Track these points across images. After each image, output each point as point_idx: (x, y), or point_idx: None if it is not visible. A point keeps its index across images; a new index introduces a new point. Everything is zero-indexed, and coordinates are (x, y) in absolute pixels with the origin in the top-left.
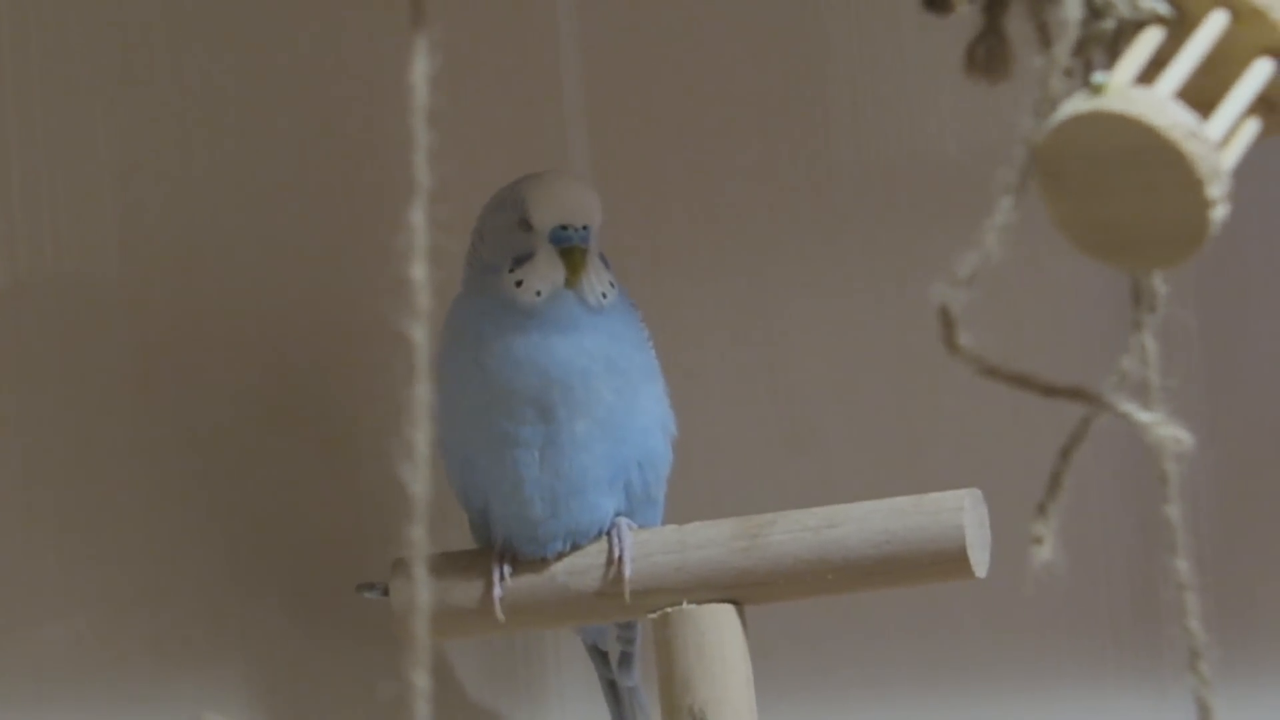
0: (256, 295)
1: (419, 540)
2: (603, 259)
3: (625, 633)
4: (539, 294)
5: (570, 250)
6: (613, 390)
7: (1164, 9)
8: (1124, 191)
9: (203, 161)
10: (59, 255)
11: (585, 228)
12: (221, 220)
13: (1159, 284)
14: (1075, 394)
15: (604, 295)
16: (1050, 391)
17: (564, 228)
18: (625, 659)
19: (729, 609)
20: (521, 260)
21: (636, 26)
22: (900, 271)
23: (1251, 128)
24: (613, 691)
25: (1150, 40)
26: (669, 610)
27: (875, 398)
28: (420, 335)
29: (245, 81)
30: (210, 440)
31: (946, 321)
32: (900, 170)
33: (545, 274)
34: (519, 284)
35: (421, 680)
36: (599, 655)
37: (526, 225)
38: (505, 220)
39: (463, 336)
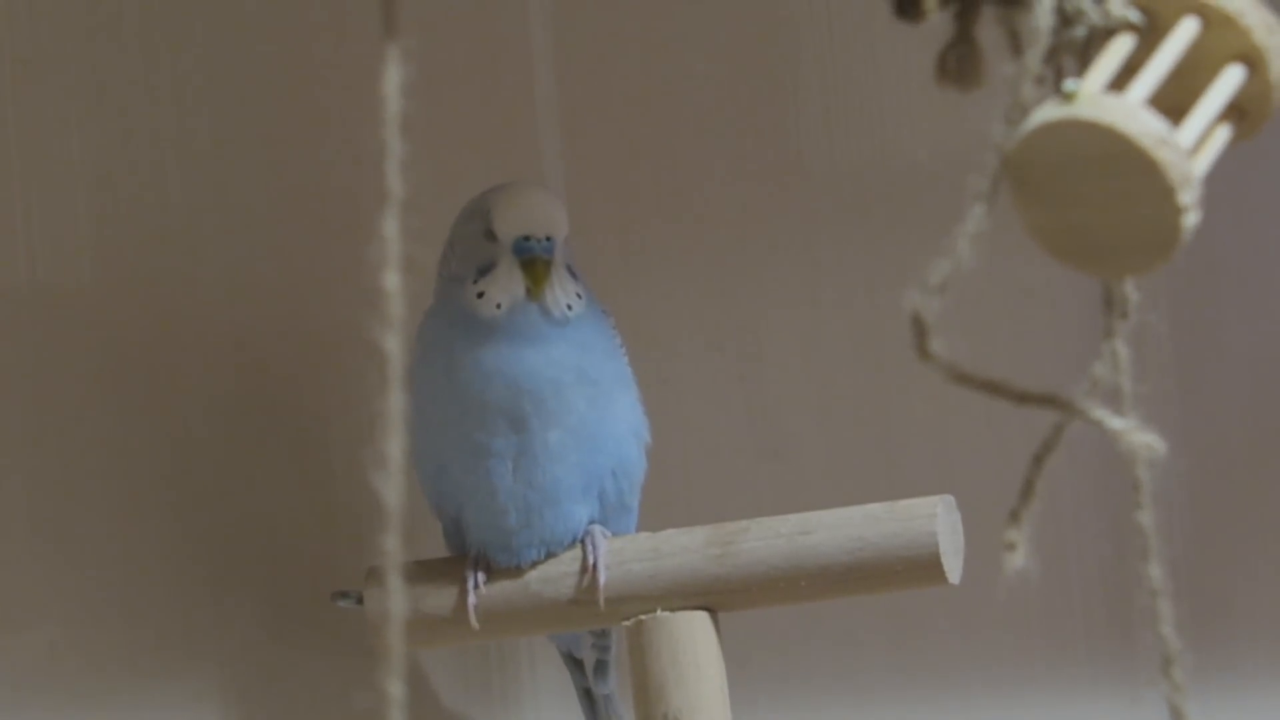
0: (231, 305)
1: (393, 549)
2: (570, 270)
3: (600, 640)
4: (499, 306)
5: (532, 261)
6: (585, 399)
7: (1135, 16)
8: (1096, 198)
9: (177, 171)
10: (33, 263)
11: (549, 239)
12: (195, 229)
13: (1131, 290)
14: (1047, 400)
15: (569, 307)
16: (1022, 398)
17: (526, 239)
18: (601, 667)
19: (703, 616)
20: (485, 271)
21: (609, 34)
22: (873, 279)
23: (1223, 134)
24: (588, 700)
25: (1121, 47)
26: (643, 618)
27: (848, 405)
28: (393, 345)
29: (219, 91)
30: (185, 449)
31: (919, 328)
32: (872, 178)
33: (506, 286)
34: (480, 295)
35: (396, 689)
36: (574, 663)
37: (491, 235)
38: (472, 230)
39: (434, 347)
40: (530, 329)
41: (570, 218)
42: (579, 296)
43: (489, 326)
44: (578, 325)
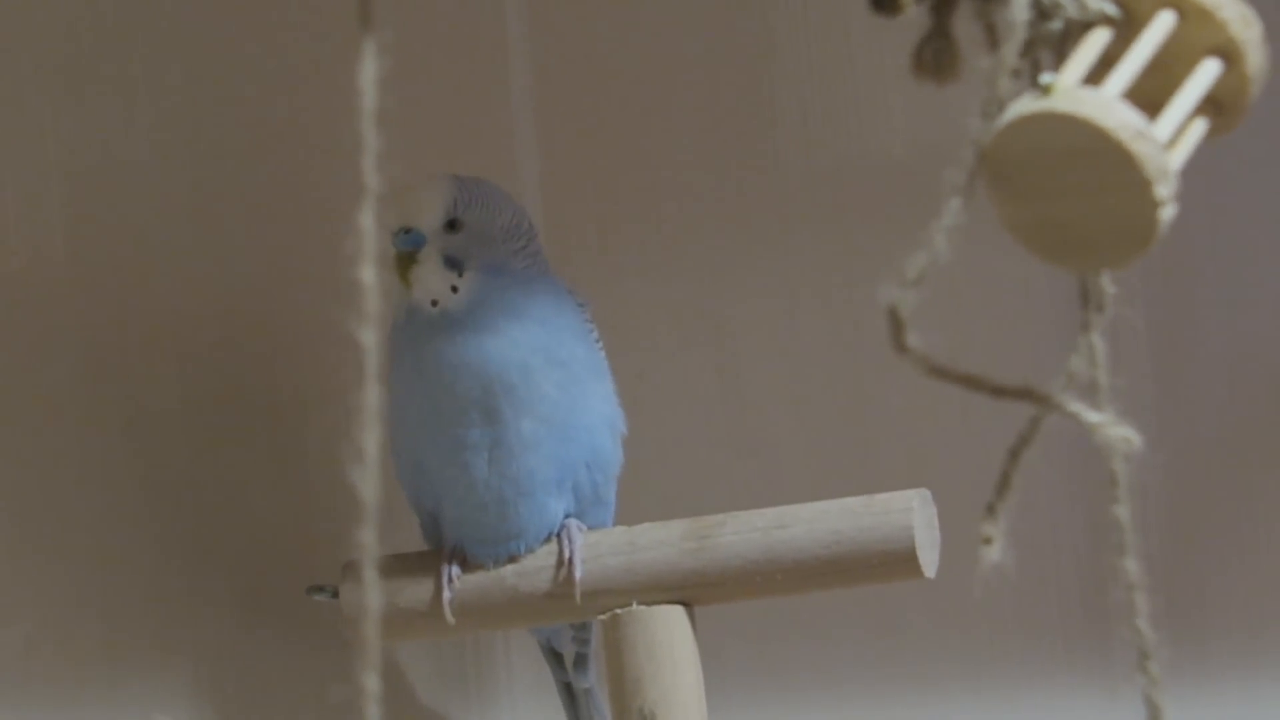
0: (206, 299)
1: (369, 543)
2: (451, 259)
3: (580, 634)
4: (435, 303)
5: (397, 255)
6: (555, 385)
7: (1111, 9)
8: (1072, 192)
9: (151, 164)
10: (5, 257)
11: (406, 231)
12: (170, 222)
13: (1107, 284)
14: (1024, 394)
15: (434, 303)
16: (999, 392)
17: (395, 232)
18: (580, 660)
19: (679, 610)
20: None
21: (585, 28)
22: (849, 273)
23: (1199, 128)
24: (569, 694)
25: (1098, 41)
26: (619, 611)
27: (824, 399)
28: (369, 338)
29: (194, 84)
30: (160, 443)
31: (895, 322)
32: (849, 171)
33: (428, 283)
34: (414, 293)
35: (372, 683)
36: (554, 657)
37: None
38: None
39: (403, 344)
40: (483, 317)
41: (546, 212)
42: (453, 290)
43: (433, 321)
44: (541, 307)
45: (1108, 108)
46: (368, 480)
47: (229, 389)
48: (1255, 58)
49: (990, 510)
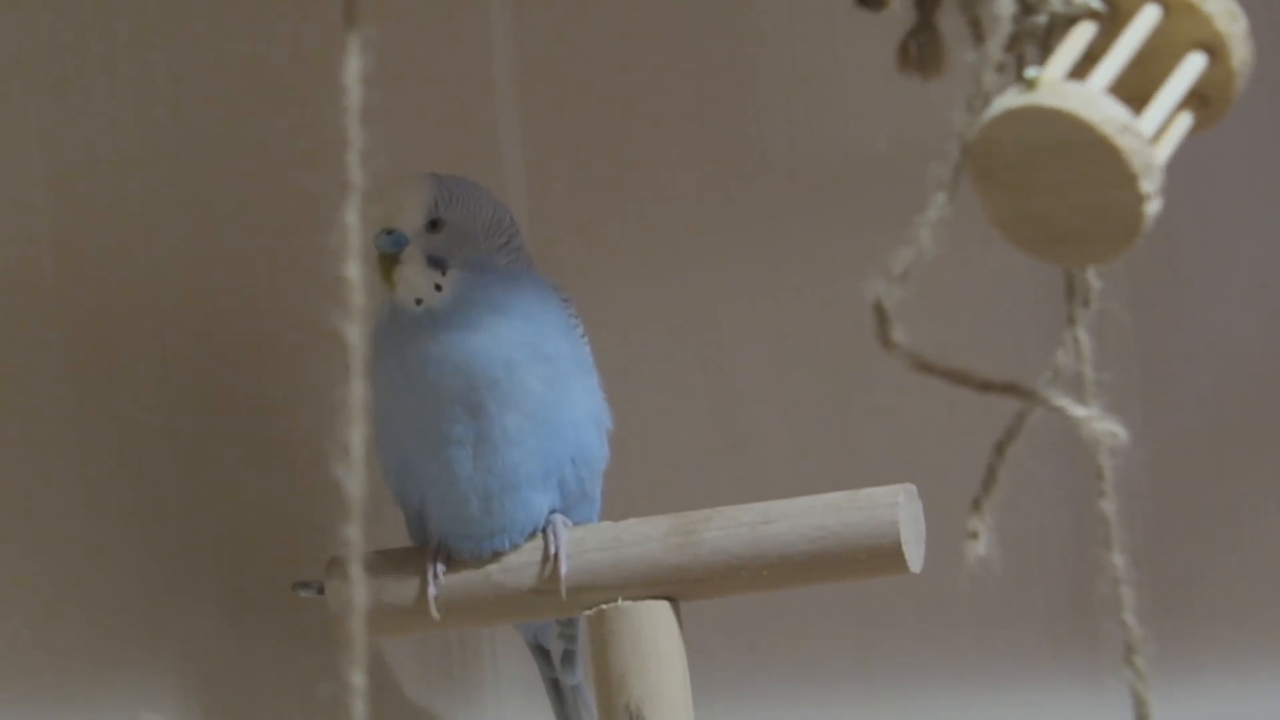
0: (191, 296)
1: (355, 539)
2: (434, 258)
3: (567, 630)
4: (419, 302)
5: (380, 257)
6: (540, 380)
7: (1096, 3)
8: (1058, 186)
9: (135, 162)
10: None
11: (389, 233)
12: (155, 220)
13: (1093, 278)
14: (1010, 389)
15: (418, 302)
16: (985, 387)
17: (377, 234)
18: (568, 657)
19: (665, 605)
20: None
21: (569, 23)
22: (835, 267)
23: (1184, 122)
24: (556, 690)
25: (1083, 35)
26: (604, 607)
27: (810, 394)
28: (354, 334)
29: (178, 82)
30: (145, 440)
31: (881, 317)
32: (834, 166)
33: (412, 283)
34: (398, 293)
35: (358, 679)
36: (542, 654)
37: None
38: None
39: (386, 342)
40: (467, 313)
41: (531, 208)
42: (437, 288)
43: (418, 320)
44: (525, 301)
45: (1093, 102)
46: (353, 476)
47: (214, 386)
48: (1240, 52)
49: (976, 505)
